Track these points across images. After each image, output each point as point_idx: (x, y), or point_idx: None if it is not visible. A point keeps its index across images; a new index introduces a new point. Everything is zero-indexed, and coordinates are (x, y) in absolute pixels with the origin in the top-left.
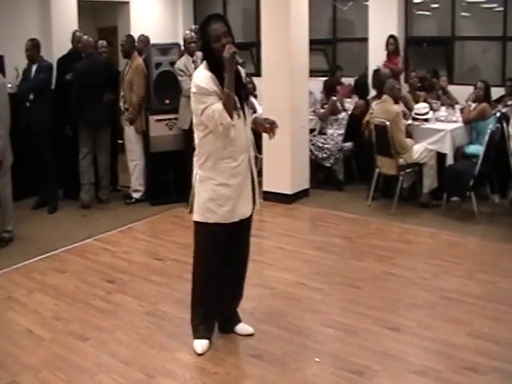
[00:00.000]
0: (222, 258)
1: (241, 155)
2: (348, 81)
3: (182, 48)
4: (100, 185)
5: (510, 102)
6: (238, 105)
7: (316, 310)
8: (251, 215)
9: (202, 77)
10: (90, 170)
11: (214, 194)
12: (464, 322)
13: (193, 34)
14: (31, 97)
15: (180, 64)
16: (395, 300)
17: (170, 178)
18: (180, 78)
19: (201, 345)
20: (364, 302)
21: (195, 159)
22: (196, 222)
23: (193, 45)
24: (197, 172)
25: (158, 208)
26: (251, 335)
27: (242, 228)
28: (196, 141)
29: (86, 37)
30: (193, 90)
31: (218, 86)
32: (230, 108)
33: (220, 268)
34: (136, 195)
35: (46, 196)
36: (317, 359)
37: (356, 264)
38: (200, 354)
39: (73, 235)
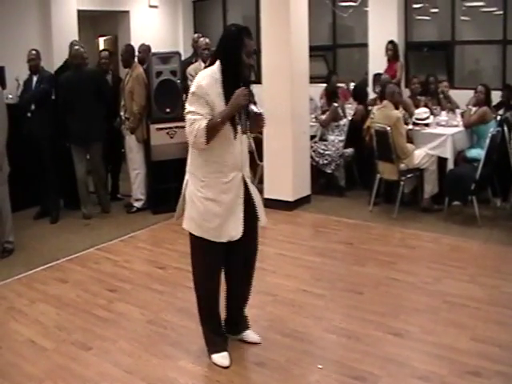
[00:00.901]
0: (217, 272)
1: (232, 172)
2: (345, 85)
3: (191, 54)
4: (99, 200)
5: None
6: (237, 120)
7: (318, 316)
8: (253, 235)
9: (206, 77)
10: (86, 183)
11: (201, 207)
12: (467, 326)
13: (207, 40)
14: (32, 107)
15: (190, 69)
16: (398, 305)
17: (172, 186)
18: (190, 83)
19: (224, 357)
20: (366, 307)
21: (187, 166)
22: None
23: (207, 52)
24: (187, 179)
25: (160, 217)
26: (256, 344)
27: (239, 249)
28: (189, 148)
29: (76, 47)
30: (192, 88)
31: (219, 93)
32: (211, 133)
33: (217, 281)
34: (137, 204)
35: (48, 206)
36: (320, 366)
37: (358, 270)
38: (227, 367)
39: (74, 245)
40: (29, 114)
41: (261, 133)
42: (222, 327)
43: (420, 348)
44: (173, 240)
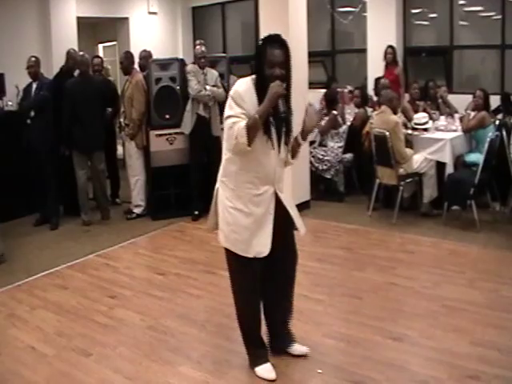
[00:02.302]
0: (255, 284)
1: (264, 185)
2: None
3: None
4: (99, 207)
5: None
6: (274, 136)
7: (318, 321)
8: (292, 241)
9: (243, 84)
10: (86, 191)
11: (229, 218)
12: (466, 330)
13: (203, 48)
14: (32, 114)
15: (190, 67)
16: (397, 310)
17: (171, 192)
18: (189, 78)
19: (268, 370)
20: (366, 312)
21: (219, 173)
22: None
23: (203, 60)
24: (217, 188)
25: (159, 223)
26: (305, 356)
27: (277, 260)
28: (223, 155)
29: (81, 53)
30: (230, 93)
31: (254, 102)
32: (251, 133)
33: (258, 298)
34: (137, 210)
35: (48, 213)
36: (319, 371)
37: (357, 275)
38: (274, 380)
39: (74, 251)
40: (28, 121)
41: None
42: (263, 339)
43: (419, 352)
44: (172, 246)
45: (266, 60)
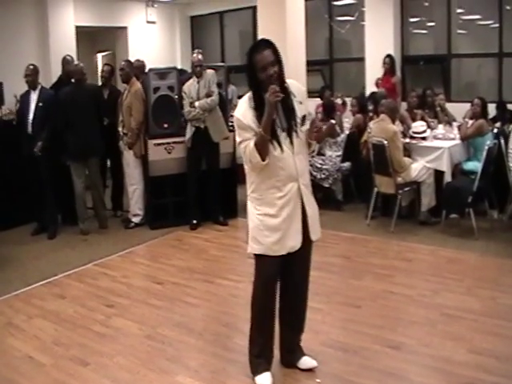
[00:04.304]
0: (275, 292)
1: (287, 185)
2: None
3: (190, 70)
4: (97, 215)
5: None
6: (282, 135)
7: (316, 330)
8: (307, 248)
9: (240, 107)
10: (84, 199)
11: (260, 224)
12: (464, 338)
13: (199, 56)
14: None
15: (185, 87)
16: (395, 318)
17: (169, 201)
18: (183, 101)
19: (266, 379)
20: (364, 320)
21: (247, 189)
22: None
23: (198, 68)
24: (248, 203)
25: (157, 232)
26: (313, 369)
27: (295, 262)
28: (245, 169)
29: (76, 62)
30: (234, 119)
31: (256, 121)
32: (261, 148)
33: (274, 301)
34: (135, 219)
35: (45, 222)
36: (318, 380)
37: (355, 283)
38: None
39: (72, 260)
40: (29, 131)
41: None
42: (272, 350)
43: (417, 361)
44: (170, 255)
45: (257, 66)
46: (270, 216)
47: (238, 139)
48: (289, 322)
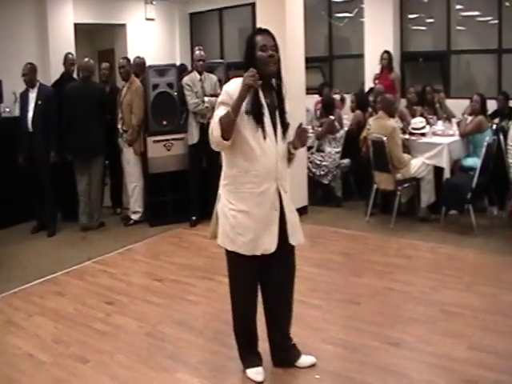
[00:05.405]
0: (252, 289)
1: (265, 183)
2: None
3: (190, 68)
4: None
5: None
6: (270, 127)
7: (316, 327)
8: (289, 253)
9: (232, 85)
10: (87, 195)
11: (233, 221)
12: (464, 335)
13: (202, 52)
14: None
15: (187, 79)
16: (395, 315)
17: (169, 199)
18: (186, 93)
19: (258, 373)
20: (364, 317)
21: (221, 178)
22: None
23: (201, 63)
24: (220, 193)
25: (157, 229)
26: (314, 365)
27: (275, 268)
28: (223, 160)
29: (86, 59)
30: (222, 92)
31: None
32: (225, 127)
33: (252, 298)
34: (135, 217)
35: (45, 220)
36: (317, 376)
37: (355, 280)
38: (261, 382)
39: (72, 258)
40: (30, 129)
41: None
42: (257, 346)
43: (417, 358)
44: (170, 252)
45: (258, 44)
46: (244, 213)
47: (215, 113)
48: (275, 325)
